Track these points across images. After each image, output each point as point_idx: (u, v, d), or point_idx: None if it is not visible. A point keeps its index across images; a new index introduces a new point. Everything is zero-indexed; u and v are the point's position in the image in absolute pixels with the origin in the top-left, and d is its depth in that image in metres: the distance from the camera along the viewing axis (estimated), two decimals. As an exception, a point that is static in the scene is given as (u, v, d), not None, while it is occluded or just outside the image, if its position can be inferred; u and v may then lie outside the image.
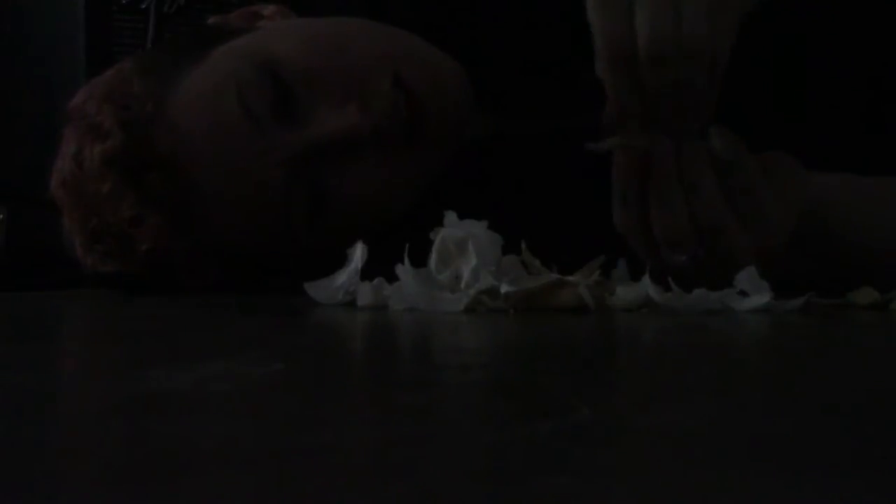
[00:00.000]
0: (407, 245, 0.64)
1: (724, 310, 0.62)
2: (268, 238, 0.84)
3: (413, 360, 0.46)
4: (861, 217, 0.77)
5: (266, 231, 0.83)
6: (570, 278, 0.63)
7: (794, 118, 0.87)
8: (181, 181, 0.81)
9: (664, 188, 0.67)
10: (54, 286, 0.98)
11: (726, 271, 0.65)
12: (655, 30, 0.63)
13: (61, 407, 0.32)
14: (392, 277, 0.65)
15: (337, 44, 0.84)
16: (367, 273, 0.68)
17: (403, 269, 0.64)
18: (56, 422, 0.29)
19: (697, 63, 0.64)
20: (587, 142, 0.68)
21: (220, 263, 0.86)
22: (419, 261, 0.65)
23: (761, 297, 0.62)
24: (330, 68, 0.82)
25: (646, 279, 0.63)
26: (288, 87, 0.81)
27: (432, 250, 0.65)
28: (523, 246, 0.65)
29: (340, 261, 0.69)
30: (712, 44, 0.64)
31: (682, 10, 0.63)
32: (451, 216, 0.65)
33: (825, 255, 0.75)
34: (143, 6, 1.67)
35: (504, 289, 0.62)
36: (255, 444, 0.25)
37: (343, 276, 0.69)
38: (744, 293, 0.63)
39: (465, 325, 0.56)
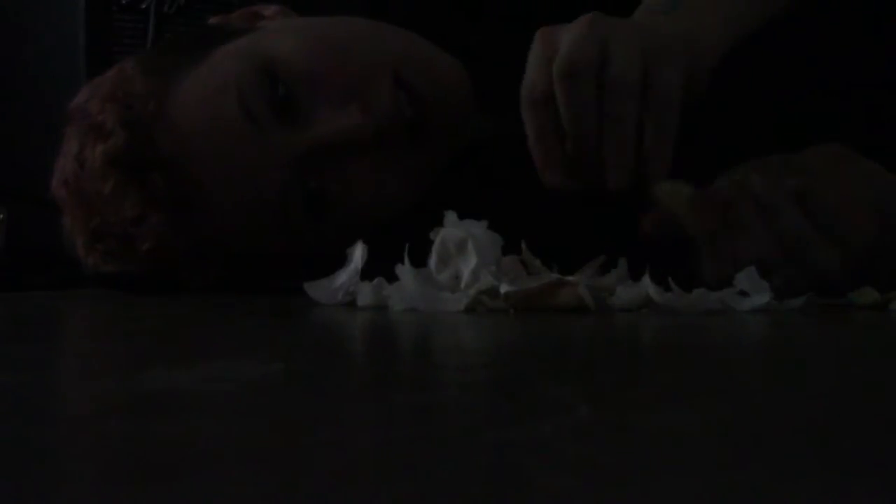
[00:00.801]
0: (407, 245, 0.64)
1: (724, 310, 0.62)
2: (268, 238, 0.84)
3: (413, 360, 0.46)
4: None
5: (267, 231, 0.83)
6: (570, 278, 0.63)
7: (789, 127, 0.87)
8: (183, 181, 0.81)
9: (746, 219, 0.66)
10: (54, 286, 0.98)
11: (821, 285, 0.65)
12: (571, 50, 0.63)
13: (61, 407, 0.32)
14: (392, 277, 0.65)
15: (338, 44, 0.84)
16: (367, 273, 0.68)
17: (403, 269, 0.64)
18: (56, 422, 0.29)
19: (622, 100, 0.63)
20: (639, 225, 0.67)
21: (221, 263, 0.86)
22: (419, 261, 0.65)
23: (761, 297, 0.62)
24: (331, 68, 0.82)
25: (646, 279, 0.63)
26: (289, 87, 0.81)
27: (432, 250, 0.65)
28: (523, 246, 0.65)
29: (340, 261, 0.69)
30: (636, 83, 0.63)
31: (609, 48, 0.64)
32: (451, 216, 0.65)
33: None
34: (143, 6, 1.67)
35: (504, 289, 0.62)
36: (256, 443, 0.25)
37: (343, 276, 0.69)
38: (744, 293, 0.63)
39: (465, 325, 0.56)
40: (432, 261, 0.65)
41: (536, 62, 0.66)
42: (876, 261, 0.70)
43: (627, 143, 0.64)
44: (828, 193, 0.68)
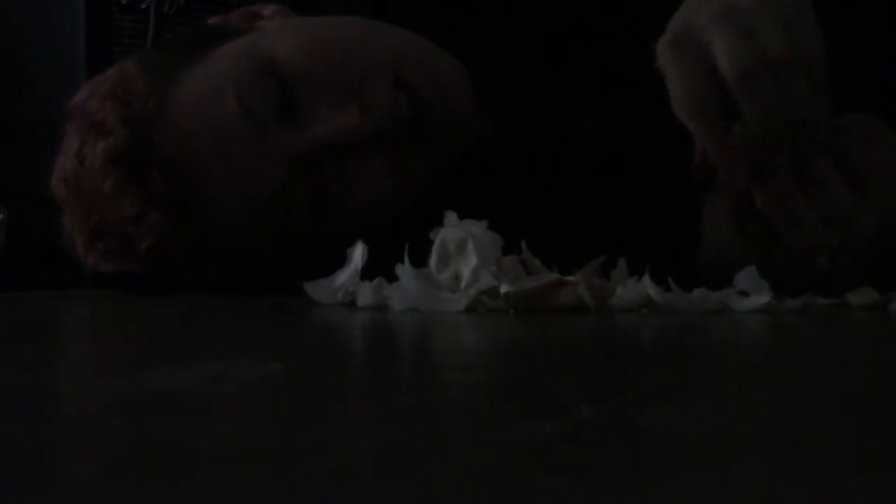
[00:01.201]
0: (407, 245, 0.64)
1: (724, 310, 0.62)
2: (268, 237, 0.84)
3: (413, 360, 0.46)
4: None
5: (266, 230, 0.83)
6: (570, 278, 0.63)
7: None
8: (183, 179, 0.81)
9: (785, 203, 0.65)
10: (54, 286, 0.98)
11: (858, 264, 0.64)
12: (732, 54, 0.62)
13: (61, 407, 0.32)
14: (392, 277, 0.65)
15: (337, 44, 0.84)
16: (367, 273, 0.68)
17: (403, 269, 0.64)
18: (56, 422, 0.29)
19: (790, 71, 0.62)
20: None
21: (221, 262, 0.86)
22: (419, 261, 0.65)
23: (761, 297, 0.62)
24: (330, 68, 0.82)
25: (646, 279, 0.63)
26: (288, 87, 0.81)
27: (432, 250, 0.65)
28: (523, 246, 0.65)
29: (340, 261, 0.69)
30: (796, 51, 0.62)
31: (756, 30, 0.62)
32: (451, 216, 0.65)
33: None
34: (143, 6, 1.67)
35: (504, 289, 0.62)
36: (256, 444, 0.25)
37: (343, 276, 0.69)
38: (744, 293, 0.63)
39: (465, 325, 0.56)
40: (432, 261, 0.65)
41: (687, 70, 0.64)
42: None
43: (812, 112, 0.63)
44: (865, 156, 0.67)
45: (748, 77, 0.61)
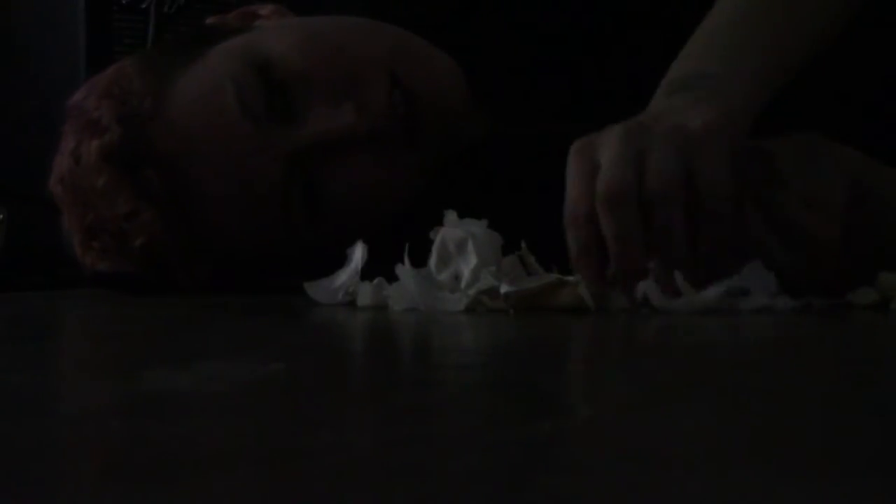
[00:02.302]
0: (407, 245, 0.64)
1: (724, 310, 0.62)
2: (264, 236, 0.84)
3: (413, 360, 0.46)
4: None
5: (262, 229, 0.83)
6: (569, 278, 0.63)
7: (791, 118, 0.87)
8: (177, 177, 0.81)
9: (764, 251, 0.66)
10: (54, 286, 0.98)
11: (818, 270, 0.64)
12: (603, 176, 0.63)
13: (61, 407, 0.32)
14: (392, 277, 0.65)
15: (334, 43, 0.84)
16: (367, 273, 0.68)
17: (403, 269, 0.64)
18: (56, 422, 0.29)
19: (666, 204, 0.63)
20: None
21: (216, 261, 0.86)
22: (419, 261, 0.65)
23: (762, 298, 0.62)
24: (327, 67, 0.82)
25: (647, 279, 0.63)
26: (285, 85, 0.81)
27: (432, 250, 0.65)
28: (523, 246, 0.65)
29: (340, 261, 0.69)
30: (676, 183, 0.62)
31: (647, 155, 0.63)
32: (451, 216, 0.65)
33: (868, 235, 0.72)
34: (143, 6, 1.67)
35: (504, 289, 0.61)
36: (255, 444, 0.25)
37: (343, 276, 0.69)
38: (744, 293, 0.63)
39: (465, 325, 0.56)
40: (432, 261, 0.65)
41: (575, 180, 0.66)
42: (854, 241, 0.69)
43: (676, 249, 0.64)
44: (793, 184, 0.67)
45: (613, 198, 0.62)
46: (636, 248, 0.63)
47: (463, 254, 0.64)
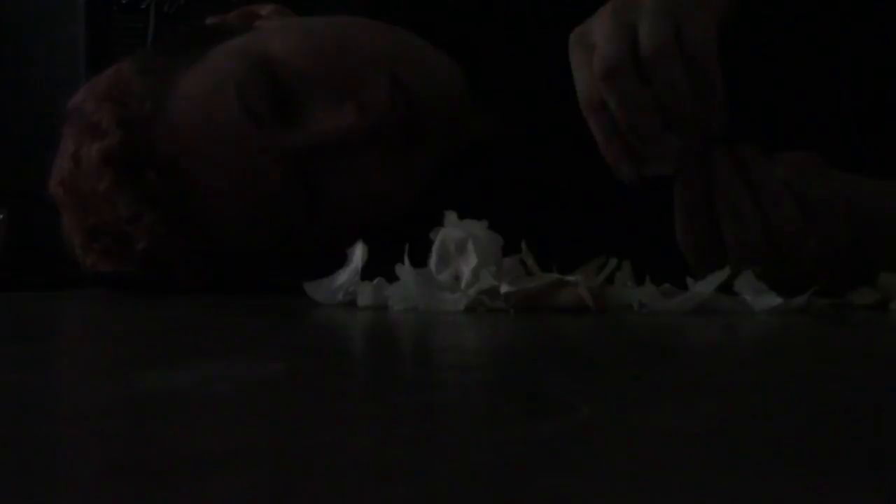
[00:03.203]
0: (407, 245, 0.64)
1: (724, 310, 0.62)
2: (265, 236, 0.84)
3: (413, 360, 0.46)
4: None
5: (264, 229, 0.83)
6: (569, 278, 0.63)
7: (791, 122, 0.87)
8: (179, 179, 0.81)
9: (734, 199, 0.67)
10: (54, 286, 0.98)
11: (797, 276, 0.65)
12: (599, 51, 0.64)
13: (61, 407, 0.32)
14: (392, 277, 0.65)
15: (334, 43, 0.84)
16: (367, 273, 0.68)
17: (403, 269, 0.64)
18: (56, 422, 0.29)
19: (665, 63, 0.64)
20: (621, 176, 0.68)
21: (218, 262, 0.86)
22: (419, 261, 0.65)
23: (764, 298, 0.62)
24: (327, 67, 0.82)
25: (647, 281, 0.63)
26: (285, 85, 0.81)
27: (432, 250, 0.65)
28: (523, 246, 0.65)
29: (340, 261, 0.69)
30: (671, 43, 0.64)
31: (637, 25, 0.64)
32: (451, 216, 0.65)
33: (864, 255, 0.73)
34: (143, 6, 1.67)
35: (504, 289, 0.62)
36: (256, 444, 0.25)
37: (343, 276, 0.69)
38: (745, 293, 0.63)
39: (465, 325, 0.56)
40: (432, 261, 0.65)
41: (581, 69, 0.67)
42: (846, 258, 0.70)
43: (682, 101, 0.64)
44: (812, 185, 0.68)
45: (609, 72, 0.64)
46: (643, 113, 0.64)
47: (463, 254, 0.64)
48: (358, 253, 0.68)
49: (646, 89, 0.64)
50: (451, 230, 0.65)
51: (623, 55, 0.64)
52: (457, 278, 0.64)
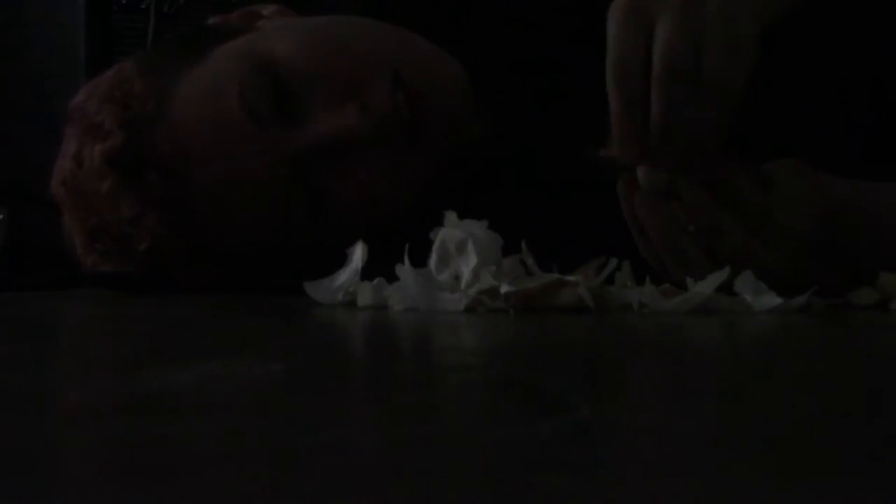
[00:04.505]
0: (407, 245, 0.64)
1: (724, 310, 0.62)
2: (267, 237, 0.84)
3: (413, 359, 0.46)
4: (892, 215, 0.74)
5: (265, 230, 0.83)
6: (569, 278, 0.63)
7: (790, 128, 0.86)
8: (181, 181, 0.81)
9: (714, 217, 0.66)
10: (54, 286, 0.98)
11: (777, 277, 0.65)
12: (672, 44, 0.62)
13: (61, 407, 0.32)
14: (392, 277, 0.65)
15: (337, 43, 0.84)
16: (367, 273, 0.68)
17: (403, 269, 0.64)
18: (56, 422, 0.29)
19: (712, 95, 0.63)
20: (590, 148, 0.67)
21: (220, 263, 0.86)
22: (419, 261, 0.65)
23: (764, 298, 0.62)
24: (329, 68, 0.82)
25: (647, 281, 0.63)
26: (287, 86, 0.81)
27: (432, 250, 0.65)
28: (523, 246, 0.65)
29: (340, 261, 0.69)
30: (726, 79, 0.63)
31: (703, 41, 0.62)
32: (451, 216, 0.65)
33: (849, 258, 0.73)
34: (143, 6, 1.67)
35: (504, 289, 0.62)
36: (255, 444, 0.25)
37: (343, 276, 0.69)
38: (745, 293, 0.63)
39: (465, 325, 0.56)
40: (432, 261, 0.65)
41: (627, 33, 0.64)
42: (823, 263, 0.70)
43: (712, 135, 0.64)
44: (752, 189, 0.68)
45: (671, 74, 0.62)
46: (685, 128, 0.63)
47: (463, 254, 0.64)
48: (358, 253, 0.68)
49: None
50: (451, 230, 0.65)
51: (689, 63, 0.62)
52: (457, 278, 0.64)
